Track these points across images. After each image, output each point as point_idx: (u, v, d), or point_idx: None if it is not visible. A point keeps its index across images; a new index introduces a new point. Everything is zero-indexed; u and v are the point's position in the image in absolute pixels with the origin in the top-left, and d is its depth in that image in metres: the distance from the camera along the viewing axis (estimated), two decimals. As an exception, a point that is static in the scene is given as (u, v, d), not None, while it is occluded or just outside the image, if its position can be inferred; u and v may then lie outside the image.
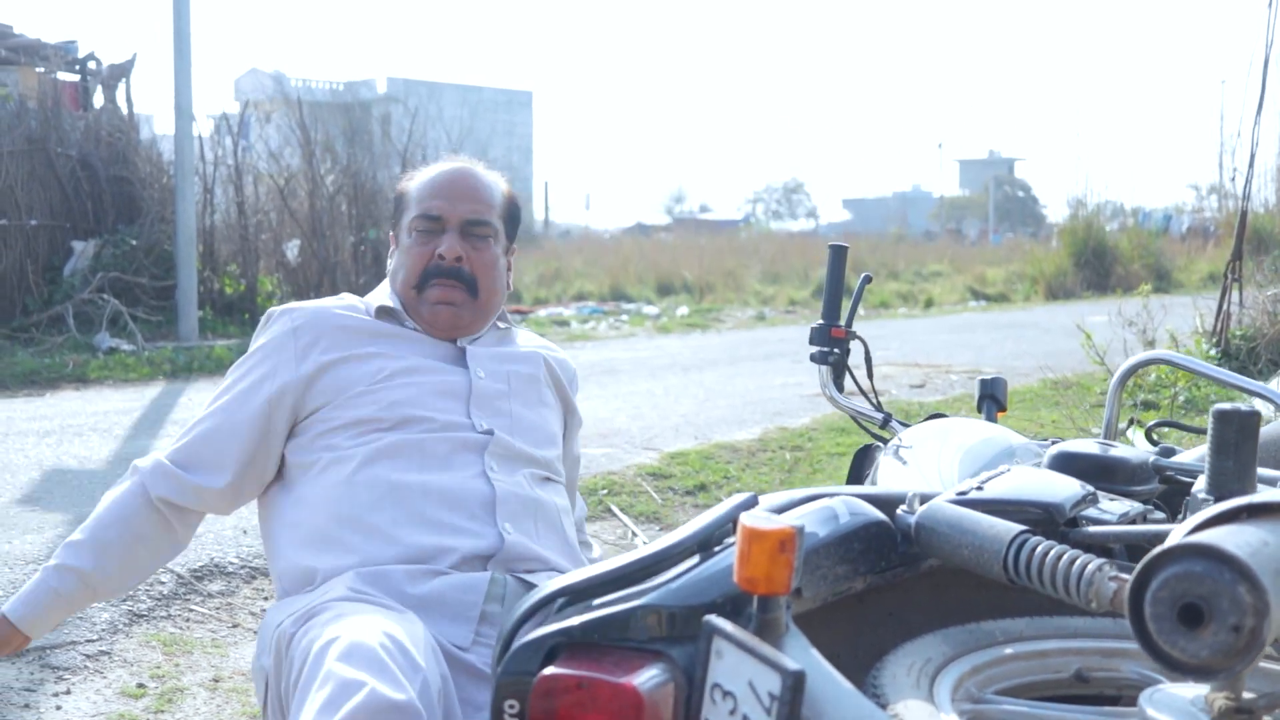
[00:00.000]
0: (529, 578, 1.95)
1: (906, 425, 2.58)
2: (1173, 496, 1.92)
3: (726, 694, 1.24)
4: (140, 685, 2.46)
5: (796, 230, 74.29)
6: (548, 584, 1.42)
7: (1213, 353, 6.31)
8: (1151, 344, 6.68)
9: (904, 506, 1.55)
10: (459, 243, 2.09)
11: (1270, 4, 6.75)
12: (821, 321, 2.83)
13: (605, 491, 4.34)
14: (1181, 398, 5.75)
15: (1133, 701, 1.35)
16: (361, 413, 1.99)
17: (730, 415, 5.94)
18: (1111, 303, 15.64)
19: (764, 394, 6.68)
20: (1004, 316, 12.99)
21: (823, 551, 1.41)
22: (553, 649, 1.31)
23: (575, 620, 1.32)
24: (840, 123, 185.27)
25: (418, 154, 12.17)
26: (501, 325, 2.25)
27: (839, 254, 2.88)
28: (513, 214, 2.23)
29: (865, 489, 1.81)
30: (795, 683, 1.17)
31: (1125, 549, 1.59)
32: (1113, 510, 1.64)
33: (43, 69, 11.04)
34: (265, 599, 3.12)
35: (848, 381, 2.84)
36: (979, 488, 1.66)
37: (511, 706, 1.31)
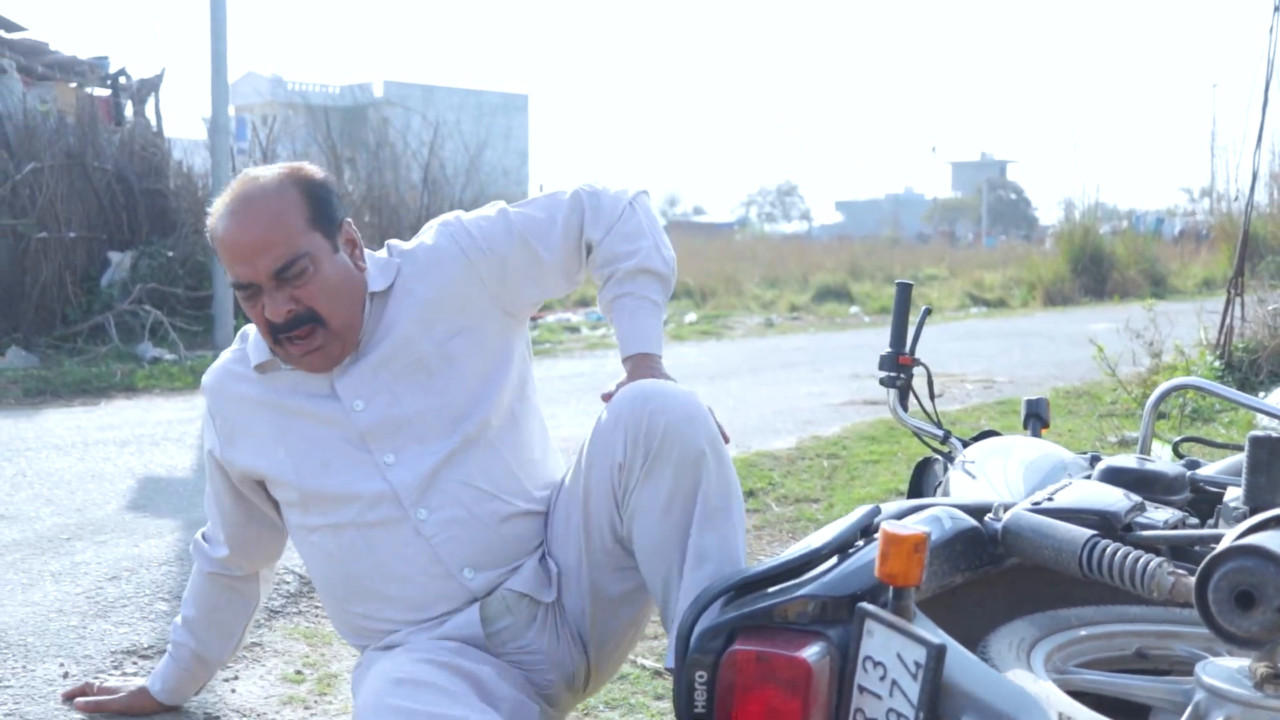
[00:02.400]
0: (510, 584, 2.08)
1: (963, 441, 2.95)
2: (1201, 504, 2.28)
3: (877, 664, 1.63)
4: (298, 672, 2.80)
5: (790, 232, 74.73)
6: (715, 584, 1.80)
7: (1216, 365, 6.66)
8: (1158, 356, 7.03)
9: (990, 515, 1.94)
10: (279, 296, 2.00)
11: (1271, 31, 7.08)
12: (890, 349, 3.20)
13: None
14: (1189, 408, 6.09)
15: (1184, 674, 1.73)
16: (289, 497, 2.12)
17: (763, 424, 6.28)
18: (1109, 309, 16.08)
19: (791, 403, 7.03)
20: (1007, 324, 13.35)
21: (934, 553, 1.79)
22: (732, 631, 1.70)
23: (751, 608, 1.71)
24: (833, 125, 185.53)
25: (434, 164, 12.46)
26: (376, 290, 2.11)
27: (904, 291, 3.26)
28: (320, 205, 2.06)
29: (957, 500, 2.19)
30: (938, 654, 1.57)
31: (1170, 549, 1.95)
32: (1157, 517, 2.01)
33: (76, 84, 11.36)
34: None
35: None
36: (1049, 499, 2.04)
37: (700, 676, 1.71)
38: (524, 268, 2.17)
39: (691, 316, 15.44)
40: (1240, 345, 6.68)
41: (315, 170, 2.12)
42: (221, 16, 9.66)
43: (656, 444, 1.98)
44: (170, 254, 10.24)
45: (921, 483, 3.27)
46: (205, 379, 2.23)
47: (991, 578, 1.95)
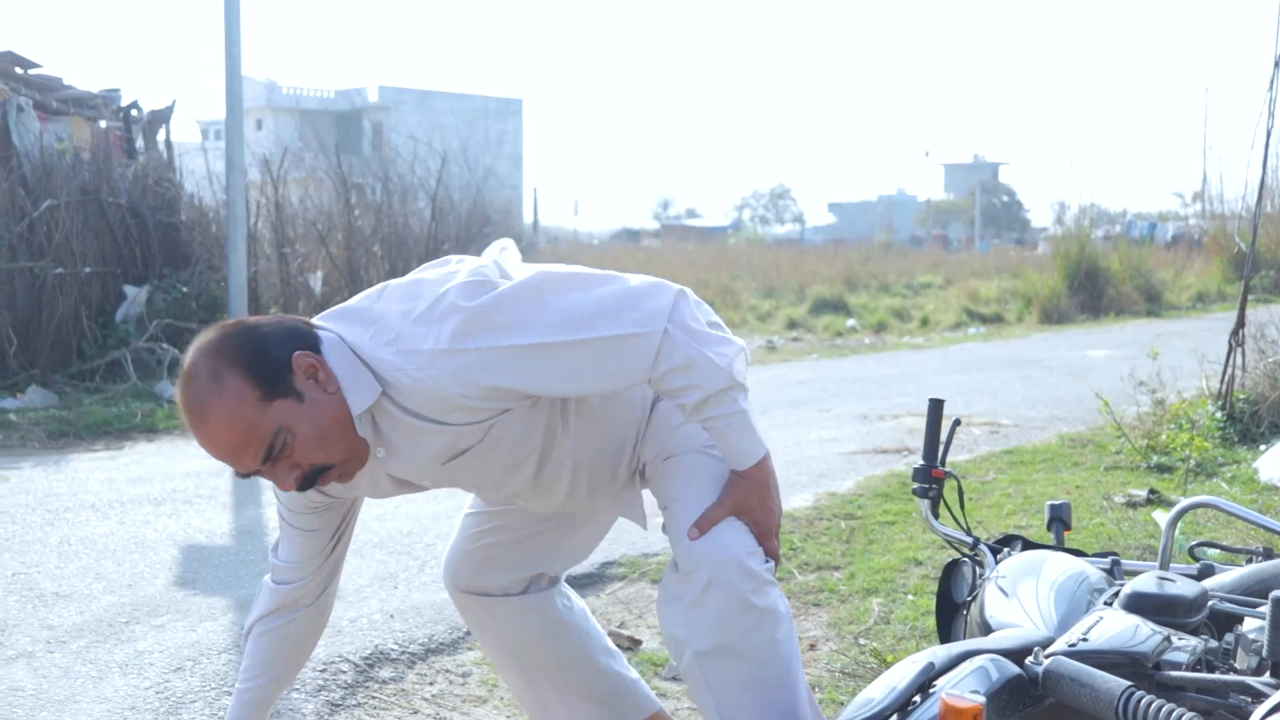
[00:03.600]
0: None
1: (991, 548, 3.12)
2: (1218, 617, 2.45)
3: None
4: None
5: (783, 234, 74.95)
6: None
7: (1218, 415, 6.83)
8: (1161, 403, 7.19)
9: (1031, 659, 2.11)
10: (279, 471, 2.07)
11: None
12: (923, 463, 3.36)
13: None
14: (1193, 461, 6.26)
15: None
16: None
17: (780, 478, 6.44)
18: (1106, 330, 16.30)
19: (803, 451, 7.19)
20: (1006, 350, 13.51)
21: (985, 707, 1.96)
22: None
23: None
24: (825, 127, 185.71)
25: (441, 193, 12.56)
26: (360, 411, 2.09)
27: (936, 408, 3.43)
28: (263, 376, 2.01)
29: (1001, 641, 2.35)
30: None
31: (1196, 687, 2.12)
32: (1183, 648, 2.18)
33: (89, 118, 11.48)
34: (431, 684, 3.62)
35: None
36: (1084, 638, 2.21)
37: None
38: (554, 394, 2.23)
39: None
40: (1241, 396, 6.85)
41: (242, 330, 2.07)
42: (236, 53, 9.81)
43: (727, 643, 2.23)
44: (185, 289, 10.38)
45: (950, 585, 3.43)
46: None
47: (1033, 716, 2.12)
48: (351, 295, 7.80)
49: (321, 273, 11.93)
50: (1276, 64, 7.11)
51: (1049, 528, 3.38)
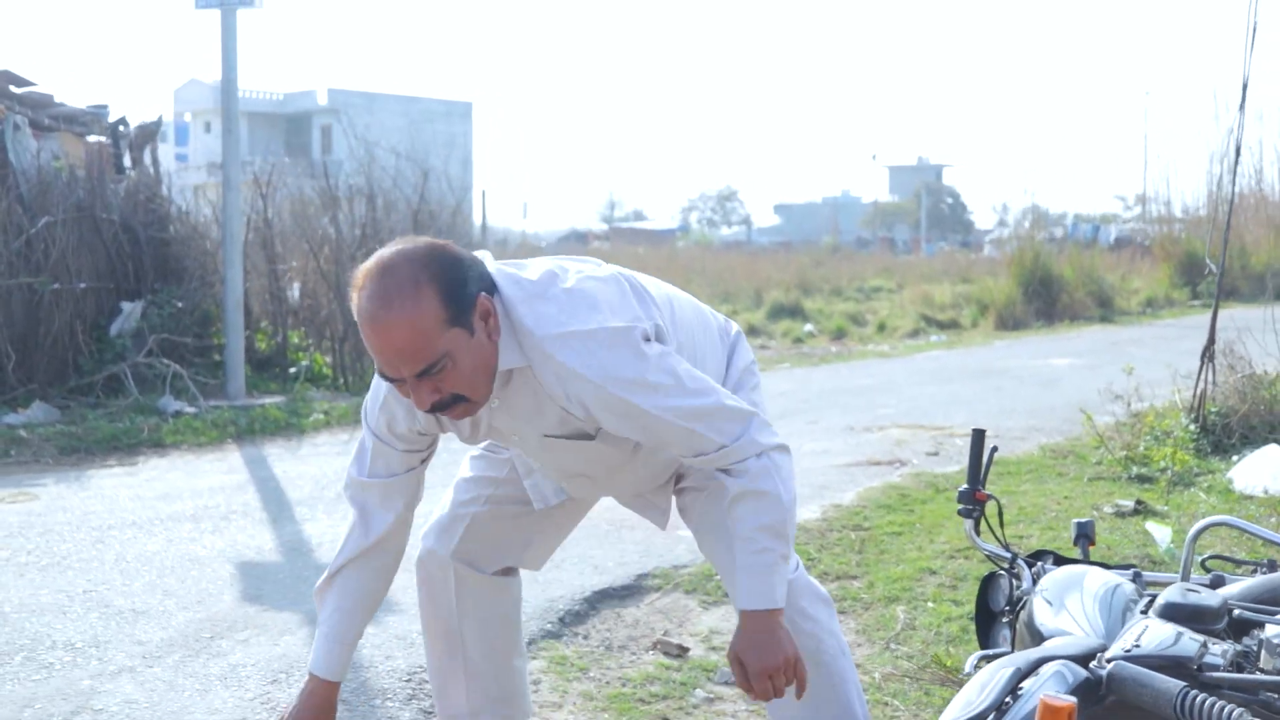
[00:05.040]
0: None
1: (1028, 562, 3.47)
2: (1237, 622, 2.81)
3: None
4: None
5: (730, 237, 75.49)
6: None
7: (1192, 428, 7.24)
8: (1136, 416, 7.62)
9: (1095, 663, 2.46)
10: (423, 389, 2.23)
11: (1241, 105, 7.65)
12: (967, 485, 3.71)
13: (720, 578, 5.17)
14: (1170, 471, 6.67)
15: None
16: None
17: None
18: (1063, 336, 16.83)
19: (801, 464, 7.53)
20: (971, 358, 13.94)
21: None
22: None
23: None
24: (770, 129, 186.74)
25: (424, 211, 12.76)
26: (519, 367, 2.36)
27: (979, 436, 3.78)
28: (452, 295, 2.19)
29: (1067, 647, 2.70)
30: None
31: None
32: (1218, 652, 2.54)
33: (79, 134, 11.63)
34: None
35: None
36: (1137, 644, 2.57)
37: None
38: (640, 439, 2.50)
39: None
40: (1213, 409, 7.26)
41: (450, 254, 2.23)
42: (233, 75, 10.02)
43: None
44: (180, 304, 10.57)
45: (988, 596, 3.78)
46: None
47: (1096, 714, 2.47)
48: (338, 307, 7.95)
49: (299, 283, 12.13)
50: (1245, 86, 7.55)
51: (1075, 543, 3.72)
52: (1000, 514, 3.72)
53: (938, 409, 9.70)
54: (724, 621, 4.76)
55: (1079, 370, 12.38)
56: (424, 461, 2.62)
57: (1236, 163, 8.01)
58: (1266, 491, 6.26)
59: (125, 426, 8.80)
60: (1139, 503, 6.08)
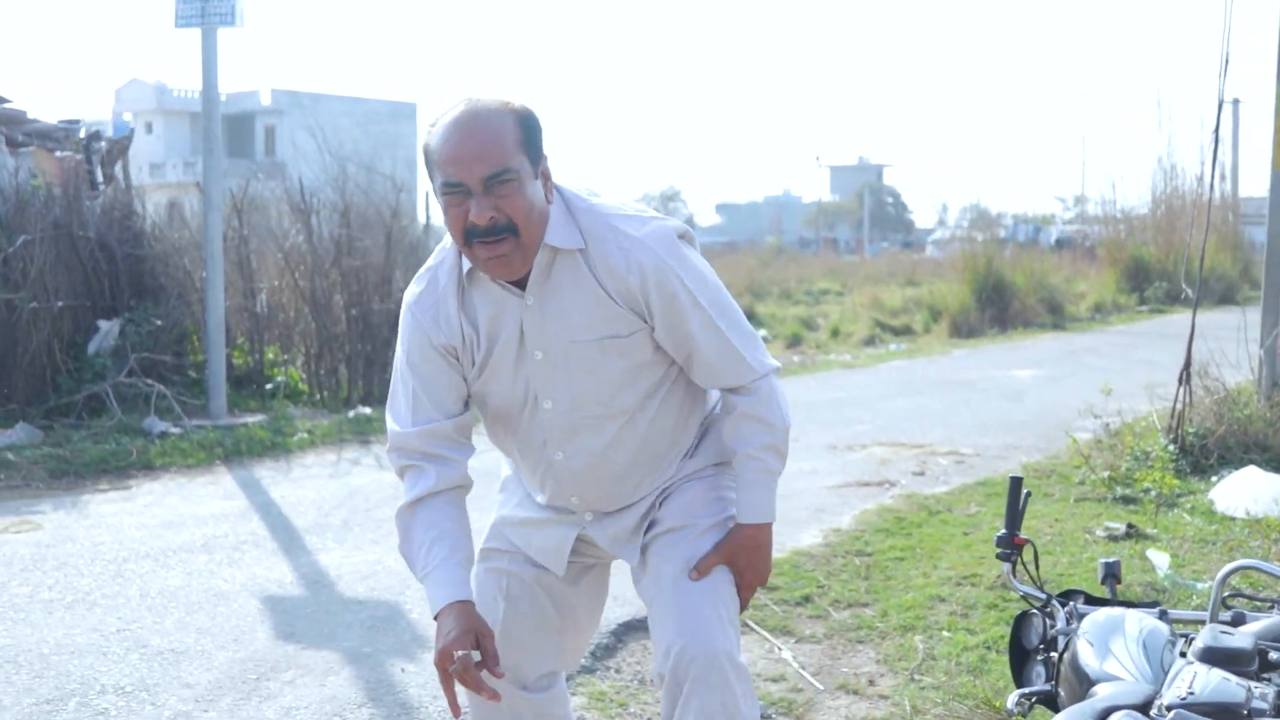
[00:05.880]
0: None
1: (1060, 602, 3.64)
2: (1267, 663, 3.00)
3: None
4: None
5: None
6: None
7: (1171, 449, 7.48)
8: (1116, 435, 7.86)
9: (1155, 710, 2.64)
10: (486, 203, 2.33)
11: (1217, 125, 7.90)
12: (1005, 531, 3.87)
13: (735, 606, 5.32)
14: (1154, 493, 6.90)
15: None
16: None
17: (779, 514, 6.94)
18: (1018, 344, 17.17)
19: (792, 484, 7.68)
20: (933, 369, 14.19)
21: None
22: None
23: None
24: (710, 128, 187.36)
25: (396, 227, 12.77)
26: (566, 249, 2.46)
27: (1017, 484, 3.95)
28: (530, 135, 2.40)
29: (1127, 696, 2.87)
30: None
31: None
32: (1261, 696, 2.72)
33: (49, 149, 11.57)
34: None
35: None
36: (1191, 692, 2.75)
37: None
38: (673, 348, 2.60)
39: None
40: (1191, 430, 7.51)
41: (530, 110, 2.45)
42: (214, 95, 10.03)
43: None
44: (159, 322, 10.56)
45: (1022, 634, 3.95)
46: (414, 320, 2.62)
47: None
48: (312, 322, 7.99)
49: (264, 295, 12.10)
50: (1220, 104, 7.81)
51: (1103, 582, 3.89)
52: (1036, 558, 3.90)
53: (913, 424, 9.91)
54: (746, 652, 4.90)
55: (1041, 382, 12.67)
56: (466, 405, 2.65)
57: (1213, 181, 8.30)
58: (1248, 513, 6.50)
59: (113, 448, 8.80)
60: (1130, 526, 6.30)
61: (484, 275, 2.48)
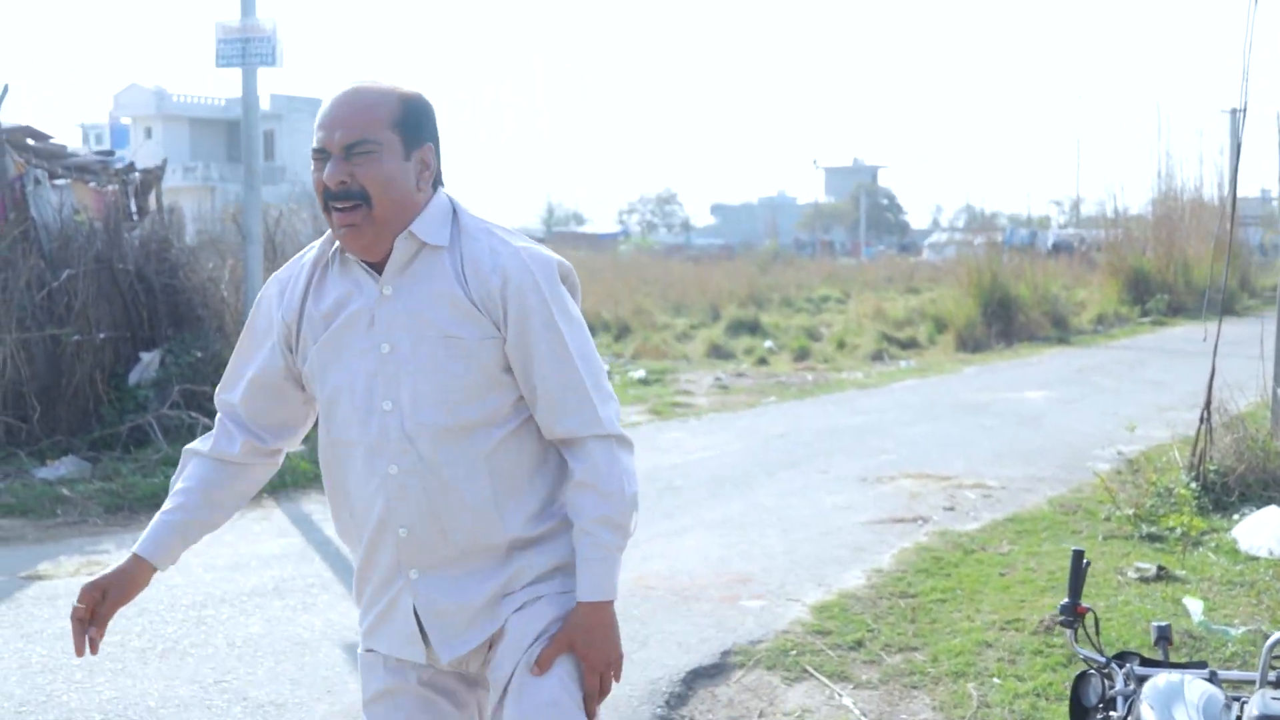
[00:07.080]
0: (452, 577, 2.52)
1: (1117, 664, 3.92)
2: None
3: None
4: None
5: (668, 239, 76.05)
6: None
7: (1193, 486, 7.78)
8: (1136, 468, 8.17)
9: None
10: (341, 168, 2.37)
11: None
12: (1068, 600, 4.17)
13: (795, 652, 5.61)
14: (1179, 532, 7.20)
15: None
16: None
17: (823, 553, 7.24)
18: (1026, 361, 17.48)
19: (828, 521, 8.00)
20: (946, 390, 14.48)
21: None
22: None
23: None
24: (707, 129, 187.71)
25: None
26: (431, 244, 2.45)
27: (1079, 557, 4.24)
28: (412, 117, 2.42)
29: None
30: None
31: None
32: None
33: (86, 181, 11.82)
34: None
35: None
36: None
37: None
38: (520, 367, 2.50)
39: (640, 373, 16.24)
40: (1212, 468, 7.81)
41: (421, 96, 2.48)
42: (255, 148, 10.29)
43: None
44: (200, 354, 10.81)
45: (1081, 694, 4.24)
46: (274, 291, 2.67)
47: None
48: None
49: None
50: (1234, 112, 8.13)
51: (1156, 644, 4.18)
52: (1096, 625, 4.19)
53: (935, 453, 10.20)
54: (808, 698, 5.20)
55: (1054, 405, 12.98)
56: (305, 402, 2.70)
57: (1234, 203, 8.59)
58: (1271, 553, 6.81)
59: (162, 481, 9.03)
60: (1160, 568, 6.59)
61: (351, 259, 2.50)
